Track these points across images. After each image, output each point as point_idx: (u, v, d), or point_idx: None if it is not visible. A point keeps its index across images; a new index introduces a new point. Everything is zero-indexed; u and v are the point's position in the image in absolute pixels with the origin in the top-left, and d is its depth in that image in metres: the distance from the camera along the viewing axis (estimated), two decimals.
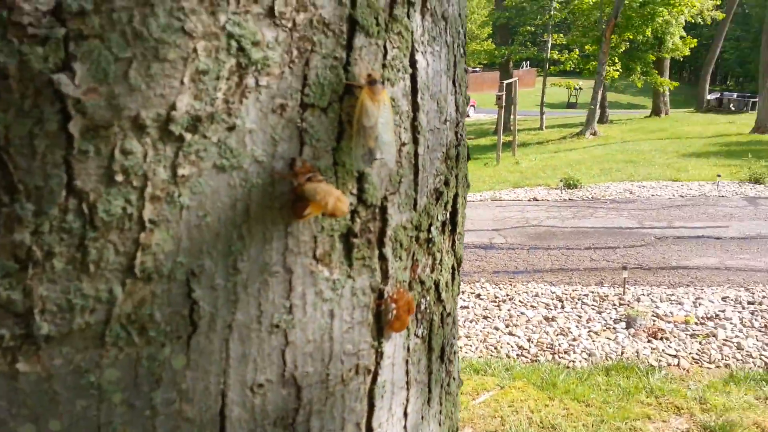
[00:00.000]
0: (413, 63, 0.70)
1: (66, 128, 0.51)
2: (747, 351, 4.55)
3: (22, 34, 0.49)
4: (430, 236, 0.78)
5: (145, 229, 0.56)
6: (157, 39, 0.52)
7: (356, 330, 0.70)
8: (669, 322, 5.00)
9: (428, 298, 0.81)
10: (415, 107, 0.72)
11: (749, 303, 5.33)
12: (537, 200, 10.03)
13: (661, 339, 4.74)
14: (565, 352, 4.60)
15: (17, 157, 0.51)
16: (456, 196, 0.83)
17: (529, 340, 4.81)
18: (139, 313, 0.58)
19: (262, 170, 0.60)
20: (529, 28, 25.13)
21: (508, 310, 5.35)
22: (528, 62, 43.34)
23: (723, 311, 5.19)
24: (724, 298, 5.47)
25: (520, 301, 5.53)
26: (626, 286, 5.71)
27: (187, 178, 0.57)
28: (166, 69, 0.53)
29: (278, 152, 0.61)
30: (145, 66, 0.53)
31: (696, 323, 4.97)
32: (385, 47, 0.66)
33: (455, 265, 0.88)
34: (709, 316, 5.10)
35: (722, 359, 4.47)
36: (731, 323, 4.96)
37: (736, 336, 4.76)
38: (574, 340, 4.78)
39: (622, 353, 4.53)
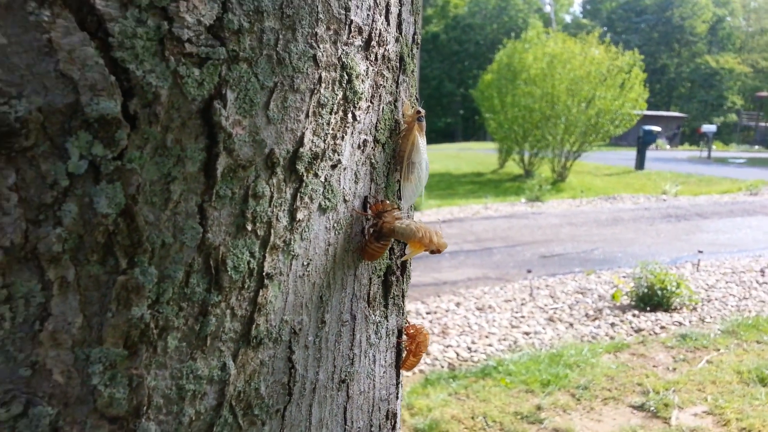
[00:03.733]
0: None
1: (207, 169, 0.41)
2: (434, 355, 5.22)
3: (179, 51, 0.38)
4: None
5: (263, 286, 0.47)
6: (294, 67, 0.46)
7: (388, 373, 0.68)
8: None
9: None
10: None
11: (427, 313, 6.14)
12: None
13: None
14: None
15: (145, 208, 0.39)
16: None
17: None
18: (248, 389, 0.48)
19: (346, 210, 0.55)
20: None
21: None
22: None
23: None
24: (408, 312, 6.20)
25: None
26: None
27: (300, 222, 0.50)
28: (297, 101, 0.47)
29: (358, 190, 0.57)
30: (283, 96, 0.45)
31: None
32: (408, 87, 0.66)
33: None
34: None
35: (417, 366, 5.08)
36: None
37: None
38: None
39: None
